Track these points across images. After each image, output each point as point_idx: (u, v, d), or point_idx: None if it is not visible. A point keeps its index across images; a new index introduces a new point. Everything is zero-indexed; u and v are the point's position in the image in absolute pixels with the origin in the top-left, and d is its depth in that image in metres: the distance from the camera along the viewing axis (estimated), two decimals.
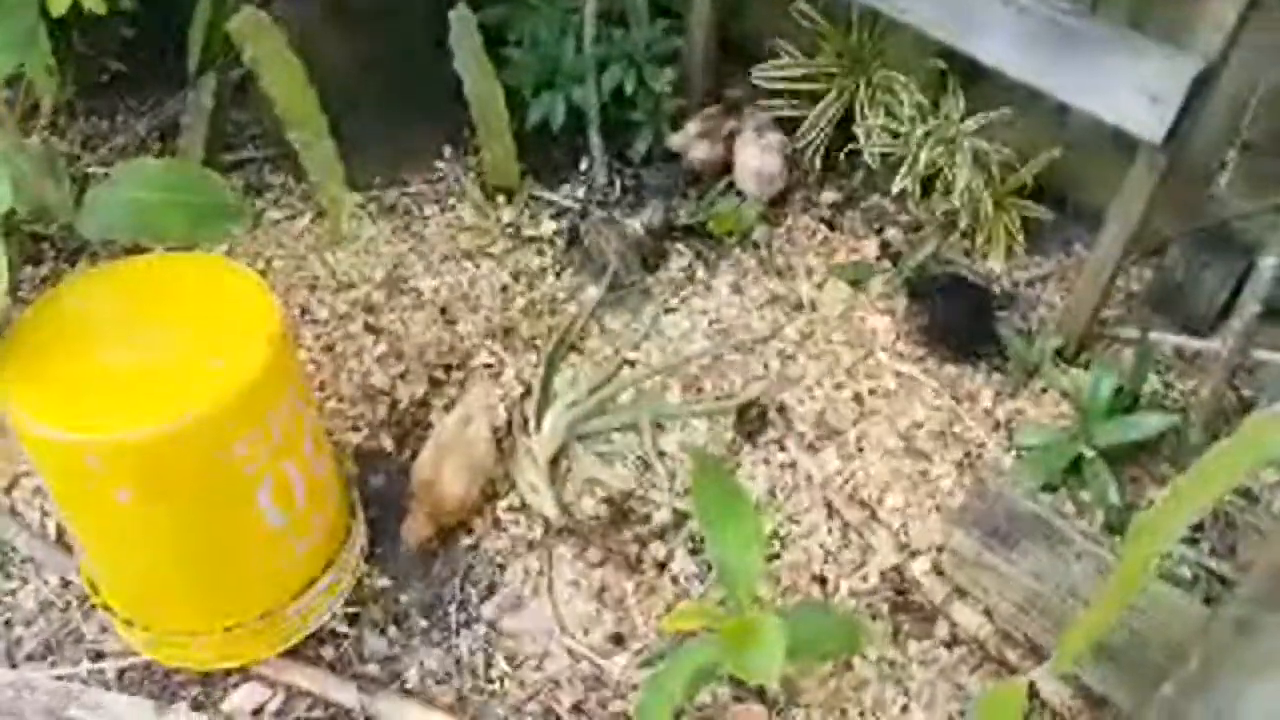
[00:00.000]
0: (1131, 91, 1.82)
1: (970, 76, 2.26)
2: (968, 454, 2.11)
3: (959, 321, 2.25)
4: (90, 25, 2.41)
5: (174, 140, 2.73)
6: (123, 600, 1.78)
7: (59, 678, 1.86)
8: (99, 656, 1.91)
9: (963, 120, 2.26)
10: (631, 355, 2.32)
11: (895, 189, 2.34)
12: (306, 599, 1.81)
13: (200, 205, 2.07)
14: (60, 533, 2.09)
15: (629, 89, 2.51)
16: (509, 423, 2.18)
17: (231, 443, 1.54)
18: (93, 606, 1.94)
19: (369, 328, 2.38)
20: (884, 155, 2.41)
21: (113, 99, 2.93)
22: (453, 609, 1.95)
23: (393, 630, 1.94)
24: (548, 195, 2.63)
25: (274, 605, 1.77)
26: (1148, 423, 1.97)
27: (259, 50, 2.29)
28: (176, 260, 1.78)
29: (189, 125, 2.57)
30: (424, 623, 1.94)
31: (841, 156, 2.55)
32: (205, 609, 1.74)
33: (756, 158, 2.49)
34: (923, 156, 2.23)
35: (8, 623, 1.98)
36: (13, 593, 2.02)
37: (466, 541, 2.03)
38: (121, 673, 1.88)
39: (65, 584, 2.02)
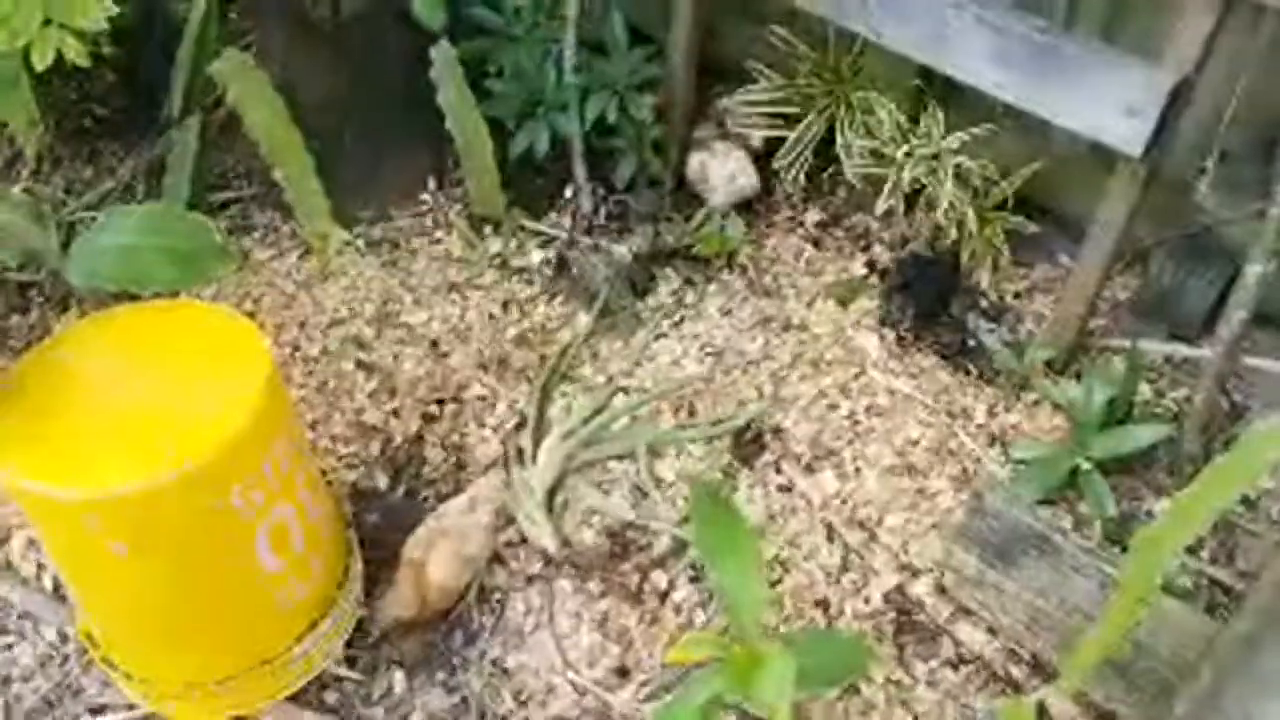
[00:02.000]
0: (1109, 106, 1.84)
1: (949, 94, 2.28)
2: (964, 469, 2.11)
3: (921, 289, 2.29)
4: (72, 73, 2.41)
5: (159, 183, 2.72)
6: (123, 653, 1.76)
7: None
8: (100, 711, 1.89)
9: (944, 138, 2.28)
10: (625, 382, 2.32)
11: (880, 209, 2.35)
12: (307, 643, 1.79)
13: (187, 249, 2.06)
14: (57, 586, 2.06)
15: (611, 117, 2.52)
16: (505, 455, 2.17)
17: (228, 491, 1.53)
18: (91, 661, 1.92)
19: (360, 364, 2.37)
20: (866, 174, 2.43)
21: (95, 144, 2.91)
22: (455, 647, 1.94)
23: (396, 672, 1.92)
24: (534, 225, 2.64)
25: (275, 651, 1.75)
26: (1142, 433, 1.98)
27: (242, 91, 2.29)
28: (168, 308, 1.77)
29: (174, 167, 2.57)
30: (427, 664, 1.92)
31: (824, 176, 2.57)
32: (206, 659, 1.72)
33: (721, 164, 2.52)
34: (905, 175, 2.24)
35: (6, 679, 1.95)
36: (10, 648, 2.00)
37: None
38: None
39: (63, 638, 2.00)
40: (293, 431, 1.69)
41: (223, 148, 2.76)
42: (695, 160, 2.59)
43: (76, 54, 1.77)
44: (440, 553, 1.93)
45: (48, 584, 2.07)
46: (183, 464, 1.46)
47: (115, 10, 1.80)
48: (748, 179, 2.54)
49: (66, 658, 1.97)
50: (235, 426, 1.51)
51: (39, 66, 1.76)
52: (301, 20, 2.47)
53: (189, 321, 1.72)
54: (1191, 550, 1.92)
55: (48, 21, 1.76)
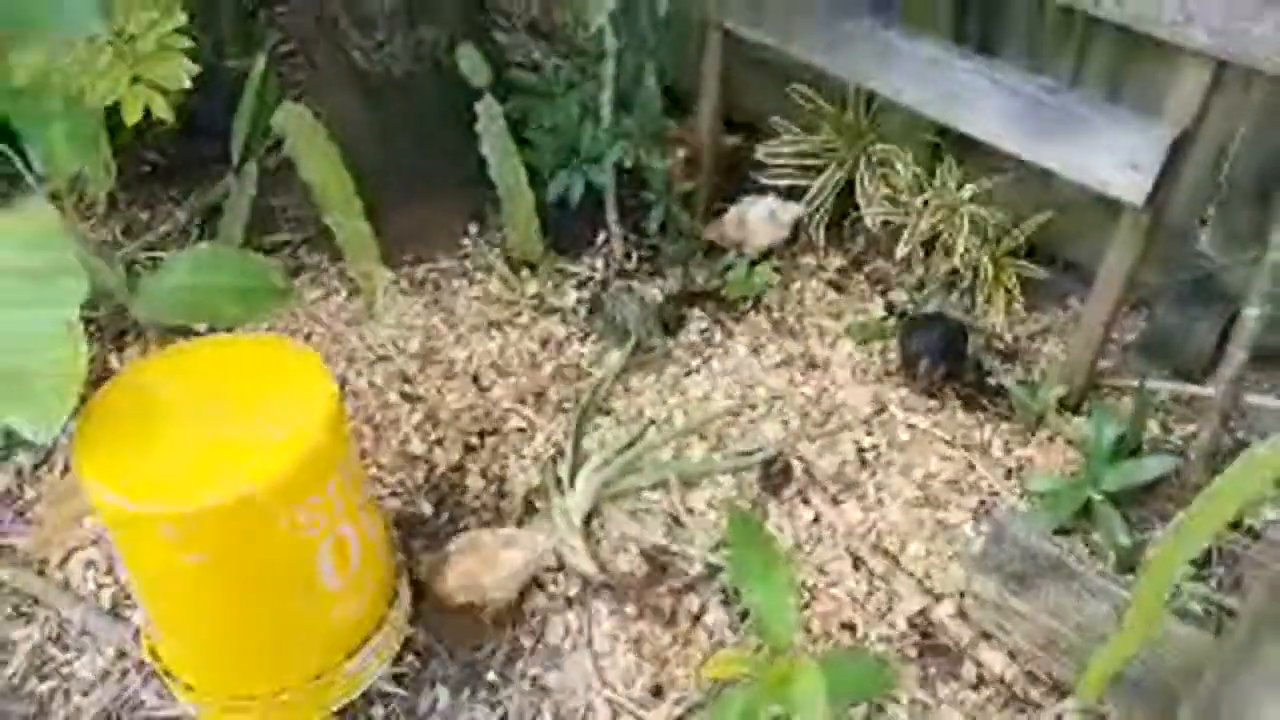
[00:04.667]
0: (1113, 161, 1.97)
1: (963, 147, 2.43)
2: (982, 501, 2.21)
3: (935, 346, 2.40)
4: (134, 125, 2.58)
5: (213, 226, 2.88)
6: (184, 665, 1.86)
7: None
8: None
9: (959, 189, 2.42)
10: (656, 415, 2.43)
11: (899, 254, 2.48)
12: (359, 659, 1.89)
13: (248, 287, 2.21)
14: (114, 606, 2.17)
15: (643, 166, 2.67)
16: (542, 484, 2.28)
17: (295, 508, 1.64)
18: (150, 675, 2.02)
19: (405, 396, 2.49)
20: (884, 222, 2.57)
21: (152, 189, 3.08)
22: (496, 667, 2.03)
23: (440, 689, 2.01)
24: (569, 267, 2.78)
25: (329, 665, 1.85)
26: (1150, 466, 2.08)
27: (300, 141, 2.45)
28: (236, 341, 1.89)
29: (230, 210, 2.72)
30: (470, 682, 2.02)
31: (845, 224, 2.71)
32: (264, 671, 1.82)
33: (758, 212, 2.66)
34: (923, 224, 2.38)
35: (66, 693, 2.05)
36: (70, 663, 2.10)
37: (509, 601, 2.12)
38: None
39: (121, 654, 2.10)
40: (352, 456, 1.81)
41: (274, 194, 2.92)
42: (732, 209, 2.73)
43: (161, 109, 1.93)
44: (467, 565, 2.04)
45: (105, 603, 2.18)
46: (255, 482, 1.58)
47: (196, 70, 1.96)
48: (781, 226, 2.68)
49: (125, 672, 2.07)
50: (303, 448, 1.63)
51: (129, 121, 1.91)
52: (355, 76, 2.65)
53: (258, 353, 1.85)
54: (1202, 579, 2.01)
55: (135, 80, 1.92)
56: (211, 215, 2.93)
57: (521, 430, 2.43)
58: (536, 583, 2.14)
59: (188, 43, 1.95)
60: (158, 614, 1.79)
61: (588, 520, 2.21)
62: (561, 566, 2.15)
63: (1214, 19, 1.78)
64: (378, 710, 1.98)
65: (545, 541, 2.13)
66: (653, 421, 2.42)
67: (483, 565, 2.08)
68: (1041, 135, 2.07)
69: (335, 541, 1.75)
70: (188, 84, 1.94)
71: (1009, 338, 2.54)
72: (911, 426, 2.37)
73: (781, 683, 1.63)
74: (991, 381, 2.44)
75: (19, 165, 2.07)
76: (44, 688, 2.06)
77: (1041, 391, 2.34)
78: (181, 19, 1.94)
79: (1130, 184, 1.95)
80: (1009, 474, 2.27)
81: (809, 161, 2.70)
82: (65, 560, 2.25)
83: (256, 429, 1.68)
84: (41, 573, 2.23)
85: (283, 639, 1.79)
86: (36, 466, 2.45)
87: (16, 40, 1.94)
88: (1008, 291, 2.52)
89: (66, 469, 2.44)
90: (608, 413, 2.46)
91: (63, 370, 1.62)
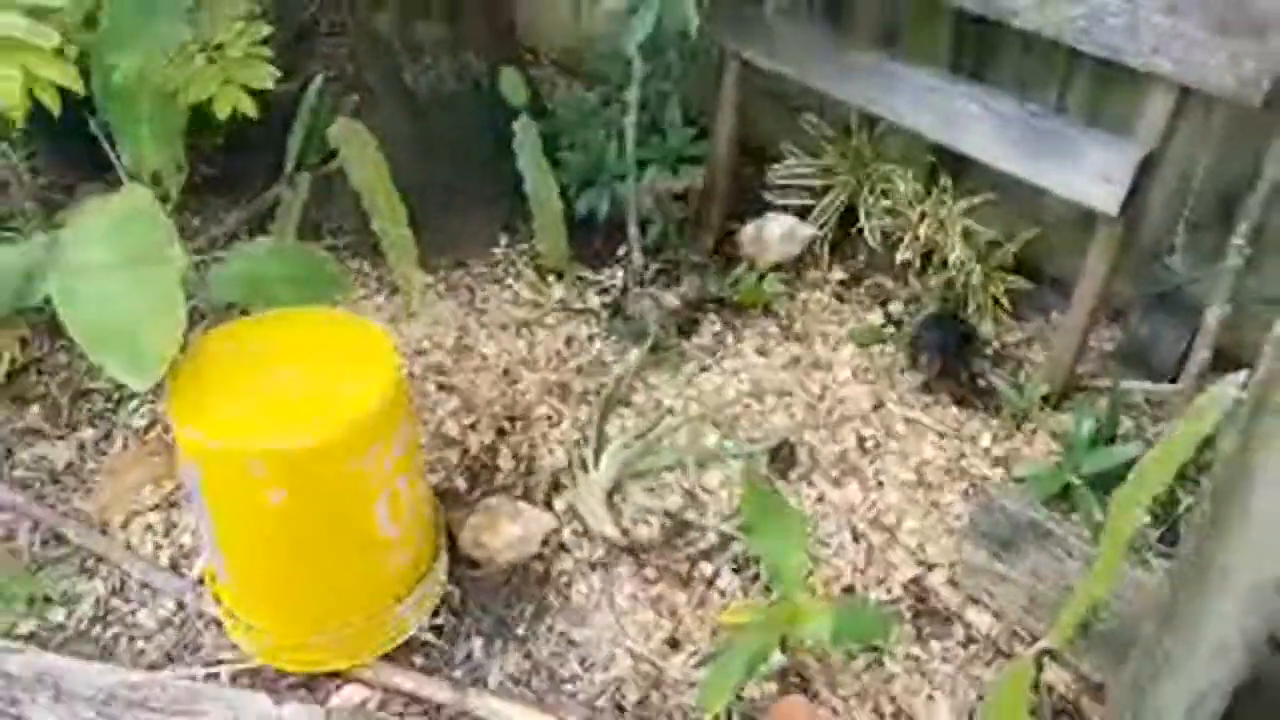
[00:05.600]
0: (1090, 175, 2.23)
1: (959, 167, 2.69)
2: (973, 484, 2.42)
3: (942, 343, 2.63)
4: (194, 132, 2.82)
5: (260, 233, 3.11)
6: (251, 605, 2.04)
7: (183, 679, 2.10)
8: (215, 664, 2.15)
9: (953, 203, 2.67)
10: (673, 405, 2.65)
11: (899, 259, 2.73)
12: (406, 605, 2.08)
13: (307, 276, 2.44)
14: (174, 563, 2.35)
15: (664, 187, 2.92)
16: (569, 464, 2.49)
17: (364, 454, 1.85)
18: (208, 623, 2.20)
19: (441, 386, 2.70)
20: (885, 236, 2.81)
21: (203, 198, 3.32)
22: (526, 622, 2.22)
23: (475, 640, 2.19)
24: (593, 276, 3.01)
25: (380, 608, 2.04)
26: (1124, 451, 2.29)
27: (352, 152, 2.69)
28: (307, 313, 2.11)
29: (284, 214, 2.95)
30: (502, 634, 2.20)
31: (847, 241, 2.95)
32: (323, 607, 2.00)
33: (775, 229, 2.90)
34: (921, 232, 2.63)
35: (130, 639, 2.22)
36: (133, 613, 2.27)
37: (536, 565, 2.31)
38: (235, 677, 2.12)
39: (180, 605, 2.27)
40: (411, 418, 2.02)
41: (319, 205, 3.15)
42: (750, 225, 2.97)
43: (248, 107, 2.18)
44: (478, 525, 2.28)
45: (164, 561, 2.36)
46: (335, 426, 1.79)
47: (279, 74, 2.21)
48: (795, 244, 2.92)
49: (184, 621, 2.24)
50: (373, 401, 1.85)
51: (221, 116, 2.16)
52: (404, 95, 2.91)
53: (327, 324, 2.07)
54: (1175, 543, 2.21)
55: (226, 81, 2.16)
56: (259, 223, 3.16)
57: (549, 418, 2.64)
58: (563, 547, 2.33)
59: (269, 52, 2.21)
60: (232, 553, 1.98)
61: (610, 495, 2.41)
62: (586, 533, 2.35)
63: (1176, 51, 2.05)
64: (419, 658, 2.16)
65: (549, 521, 2.33)
66: (670, 411, 2.63)
67: (490, 530, 2.28)
68: (1029, 154, 2.33)
69: (391, 493, 1.95)
70: (271, 85, 2.19)
71: (997, 344, 2.77)
72: (908, 420, 2.59)
73: (792, 620, 1.83)
74: (981, 382, 2.66)
75: (113, 158, 2.31)
76: (109, 634, 2.23)
77: (1027, 390, 2.57)
78: (266, 29, 2.20)
79: (1105, 195, 2.20)
80: (997, 462, 2.48)
81: (815, 183, 2.95)
82: (126, 524, 2.44)
83: (330, 385, 1.90)
84: (104, 534, 2.41)
85: (342, 576, 1.98)
86: (99, 441, 2.65)
87: (115, 45, 2.19)
88: (996, 302, 2.76)
89: (127, 444, 2.64)
90: (628, 404, 2.67)
91: (164, 327, 1.83)
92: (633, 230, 3.02)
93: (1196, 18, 2.01)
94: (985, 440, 2.53)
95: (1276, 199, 2.18)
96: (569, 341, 2.85)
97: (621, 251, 3.07)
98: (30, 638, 2.20)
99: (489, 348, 2.83)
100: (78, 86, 1.97)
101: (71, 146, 3.02)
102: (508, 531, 2.27)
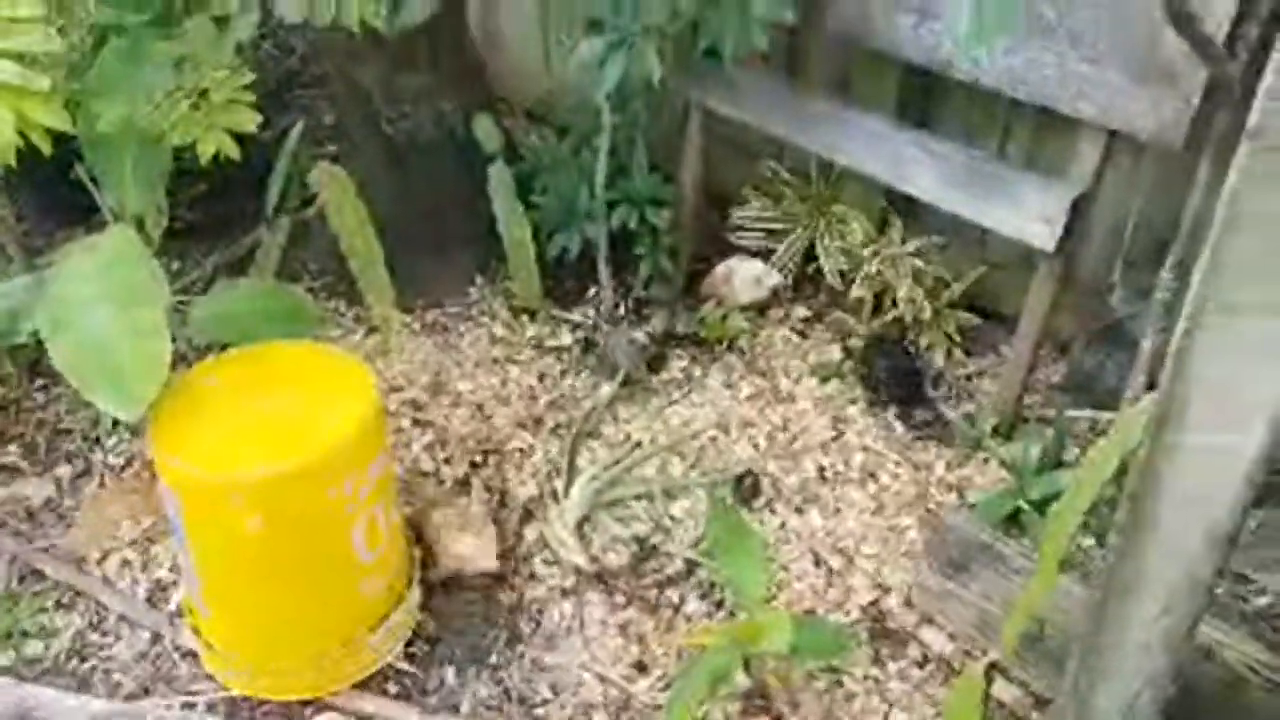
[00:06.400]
0: (1029, 214, 2.37)
1: (909, 210, 2.83)
2: (928, 509, 2.52)
3: (895, 377, 2.79)
4: (175, 179, 2.91)
5: (243, 273, 3.19)
6: (228, 635, 2.09)
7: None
8: (191, 694, 2.19)
9: (903, 243, 2.81)
10: (642, 438, 2.74)
11: (852, 296, 2.86)
12: (380, 633, 2.14)
13: (286, 314, 2.53)
14: (150, 597, 2.40)
15: (632, 225, 3.04)
16: (540, 494, 2.56)
17: (341, 481, 1.92)
18: (185, 655, 2.24)
19: (416, 422, 2.78)
20: (843, 275, 2.95)
21: (183, 244, 3.39)
22: (499, 649, 2.28)
23: (448, 668, 2.25)
24: (565, 315, 3.11)
25: (355, 635, 2.10)
26: (1070, 476, 2.41)
27: (331, 195, 2.80)
28: (286, 347, 2.19)
29: (262, 258, 3.04)
30: (474, 661, 2.25)
31: (809, 278, 3.08)
32: (299, 633, 2.06)
33: (746, 272, 3.03)
34: (873, 269, 2.76)
35: (106, 671, 2.26)
36: (109, 646, 2.31)
37: (507, 594, 2.37)
38: (211, 706, 2.16)
39: (156, 638, 2.32)
40: (387, 447, 2.10)
41: (296, 248, 3.24)
42: (721, 266, 3.09)
43: (230, 149, 2.28)
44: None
45: (141, 595, 2.41)
46: (311, 454, 1.87)
47: (260, 119, 2.32)
48: (762, 289, 3.04)
49: (161, 654, 2.28)
50: (351, 428, 1.93)
51: (204, 159, 2.26)
52: (383, 142, 3.02)
53: (305, 356, 2.15)
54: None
55: (210, 127, 2.27)
56: (238, 267, 3.25)
57: (521, 451, 2.72)
58: (534, 575, 2.40)
59: (252, 97, 2.32)
60: (211, 581, 2.03)
61: (580, 524, 2.48)
62: (557, 562, 2.42)
63: (1101, 98, 2.21)
64: (392, 686, 2.21)
65: (488, 549, 2.40)
66: (639, 443, 2.72)
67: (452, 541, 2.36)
68: (973, 196, 2.47)
69: (368, 519, 2.02)
70: (254, 130, 2.30)
71: (950, 377, 2.90)
72: (866, 449, 2.69)
73: (753, 635, 1.91)
74: (934, 414, 2.78)
75: (99, 202, 2.40)
76: (86, 666, 2.27)
77: (978, 421, 2.69)
78: (250, 76, 2.31)
79: (1044, 233, 2.34)
80: (950, 489, 2.59)
81: (776, 225, 3.09)
82: (103, 559, 2.48)
83: (308, 414, 1.98)
84: (81, 569, 2.46)
85: (318, 602, 2.05)
86: (76, 478, 2.70)
87: (103, 93, 2.29)
88: (948, 337, 2.89)
89: (104, 481, 2.69)
90: (598, 437, 2.76)
91: (150, 361, 1.91)
92: (604, 271, 3.13)
93: (1118, 66, 2.18)
94: (940, 469, 2.64)
95: (1200, 235, 2.33)
96: (542, 377, 2.94)
97: (593, 291, 3.18)
98: (7, 671, 2.23)
99: (464, 384, 2.91)
100: (69, 127, 2.07)
101: (54, 193, 3.12)
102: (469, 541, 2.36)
